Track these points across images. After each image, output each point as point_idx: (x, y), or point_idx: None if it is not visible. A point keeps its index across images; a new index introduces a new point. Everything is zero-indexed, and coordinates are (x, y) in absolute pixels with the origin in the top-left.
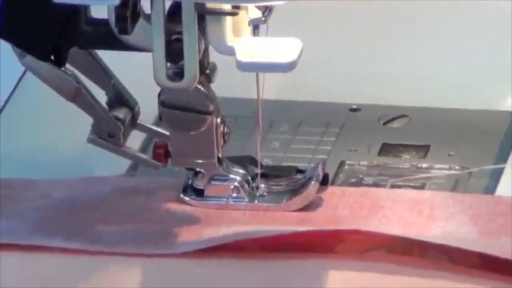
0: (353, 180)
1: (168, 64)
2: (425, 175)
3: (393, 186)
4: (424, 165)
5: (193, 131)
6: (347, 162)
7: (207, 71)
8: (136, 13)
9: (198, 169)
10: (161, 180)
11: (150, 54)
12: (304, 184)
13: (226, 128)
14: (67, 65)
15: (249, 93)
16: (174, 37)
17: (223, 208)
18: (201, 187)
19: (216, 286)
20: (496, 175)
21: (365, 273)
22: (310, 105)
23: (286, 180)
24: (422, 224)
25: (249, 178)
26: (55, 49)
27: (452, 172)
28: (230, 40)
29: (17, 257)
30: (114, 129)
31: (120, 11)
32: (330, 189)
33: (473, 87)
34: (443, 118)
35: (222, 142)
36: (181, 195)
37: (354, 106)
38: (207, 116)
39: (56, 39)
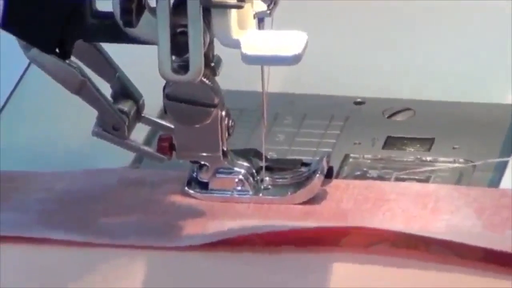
0: (358, 173)
1: (173, 57)
2: (429, 168)
3: (397, 179)
4: (428, 158)
5: (198, 124)
6: (351, 155)
7: (212, 64)
8: (141, 6)
9: (202, 162)
10: (166, 172)
11: (155, 47)
12: (309, 177)
13: (230, 121)
14: (72, 58)
15: (254, 86)
16: (179, 30)
17: (227, 201)
18: (205, 180)
19: (221, 279)
20: (501, 168)
21: (370, 266)
22: (314, 98)
23: (290, 173)
24: (426, 217)
25: (254, 171)
26: (60, 42)
27: (457, 165)
28: (235, 33)
29: (19, 249)
30: (119, 122)
31: (125, 3)
32: (335, 182)
33: (478, 80)
34: (448, 111)
35: (226, 135)
36: (186, 188)
37: (358, 99)
38: (212, 109)
39: (61, 31)
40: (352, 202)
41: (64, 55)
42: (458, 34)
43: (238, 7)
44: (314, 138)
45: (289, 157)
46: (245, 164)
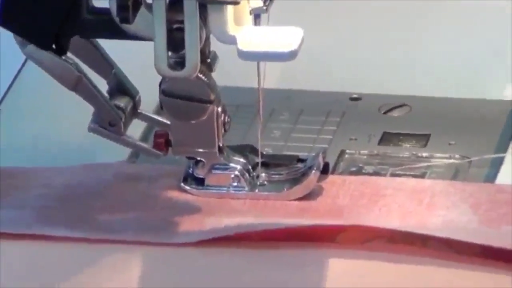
0: (354, 169)
1: (169, 53)
2: (425, 164)
3: (393, 175)
4: (424, 154)
5: (194, 120)
6: (347, 151)
7: (208, 60)
8: (138, 2)
9: (198, 158)
10: (162, 167)
11: (151, 43)
12: (305, 173)
13: (226, 117)
14: (69, 54)
15: (250, 82)
16: (175, 26)
17: (223, 197)
18: (201, 176)
19: (218, 275)
20: (497, 164)
21: (367, 261)
22: (310, 94)
23: (286, 169)
24: (422, 212)
25: (250, 167)
26: (56, 38)
27: (452, 161)
28: (232, 29)
29: (19, 246)
30: (115, 118)
31: (121, 0)
32: (331, 177)
33: (474, 76)
34: (444, 107)
35: (222, 131)
36: (182, 184)
37: (354, 95)
38: (208, 105)
39: (58, 28)
40: (348, 198)
41: (61, 51)
42: (454, 31)
43: (235, 3)
44: (310, 134)
45: (285, 153)
46: (241, 160)
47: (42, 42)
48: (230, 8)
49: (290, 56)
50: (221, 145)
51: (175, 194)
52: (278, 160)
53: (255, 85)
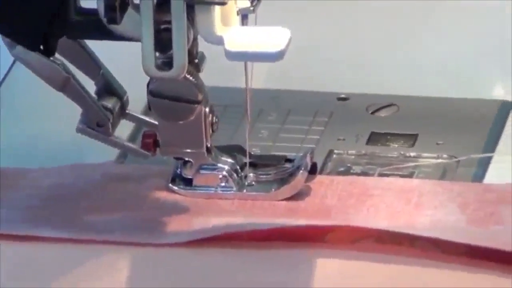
0: (342, 169)
1: (157, 54)
2: (413, 163)
3: (381, 175)
4: (412, 154)
5: (182, 120)
6: (335, 151)
7: (196, 61)
8: (125, 3)
9: (186, 159)
10: (150, 167)
11: (139, 43)
12: (293, 174)
13: (214, 118)
14: (56, 55)
15: (238, 82)
16: (163, 26)
17: (211, 197)
18: (189, 177)
19: (207, 275)
20: (484, 164)
21: (355, 261)
22: (298, 94)
23: (274, 169)
24: (410, 212)
25: (238, 167)
26: (44, 39)
27: (440, 160)
28: (219, 29)
29: (6, 246)
30: (103, 119)
31: (108, 0)
32: (319, 178)
33: (461, 76)
34: (431, 107)
35: (210, 131)
36: (170, 185)
37: (342, 95)
38: (196, 106)
39: (46, 29)
40: (336, 198)
41: (49, 52)
42: (441, 31)
43: (222, 3)
44: (298, 134)
45: (273, 153)
46: (229, 160)
47: (30, 43)
48: (217, 9)
49: (278, 56)
50: (209, 145)
51: (163, 195)
52: (266, 161)
53: (243, 85)
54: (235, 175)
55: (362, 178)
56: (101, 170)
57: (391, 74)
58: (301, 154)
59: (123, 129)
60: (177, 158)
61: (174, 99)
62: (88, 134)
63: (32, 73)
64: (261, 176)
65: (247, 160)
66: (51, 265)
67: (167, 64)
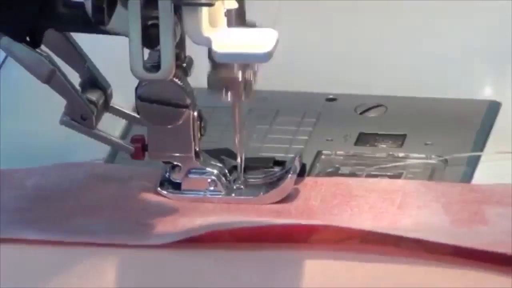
0: (330, 169)
1: (145, 58)
2: (401, 164)
3: (369, 176)
4: (400, 155)
5: (170, 124)
6: (323, 152)
7: (184, 65)
8: (113, 3)
9: (175, 163)
10: (137, 168)
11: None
12: (281, 177)
13: (202, 121)
14: (42, 47)
15: None
16: (150, 22)
17: (200, 201)
18: (178, 181)
19: (193, 276)
20: (473, 164)
21: (340, 262)
22: (286, 95)
23: (263, 173)
24: (394, 213)
25: (226, 171)
26: (30, 31)
27: (429, 161)
28: (206, 30)
29: None
30: (87, 112)
31: (97, 2)
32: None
33: (449, 76)
34: (420, 107)
35: (199, 135)
36: (159, 189)
37: (330, 96)
38: (184, 110)
39: (32, 20)
40: (320, 199)
41: (35, 44)
42: (429, 31)
43: (209, 5)
44: (286, 135)
45: (262, 154)
46: (218, 164)
47: (16, 34)
48: (204, 10)
49: (265, 57)
50: (197, 149)
51: (148, 196)
52: (254, 163)
53: None
54: (223, 179)
55: (345, 179)
56: (85, 170)
57: (379, 74)
58: (291, 156)
59: (115, 127)
60: (166, 162)
61: (162, 103)
62: (71, 126)
63: (20, 74)
64: (250, 180)
65: (237, 163)
66: (36, 267)
67: (155, 67)
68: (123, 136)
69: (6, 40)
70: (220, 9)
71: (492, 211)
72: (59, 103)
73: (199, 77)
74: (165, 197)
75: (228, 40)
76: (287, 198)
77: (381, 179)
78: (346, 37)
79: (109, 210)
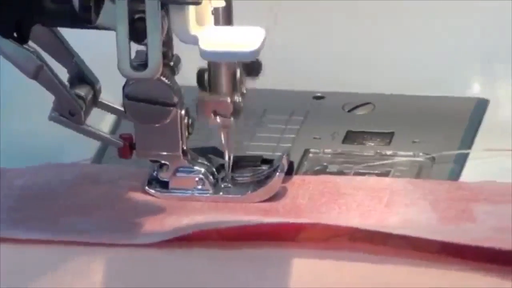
0: (318, 168)
1: (133, 56)
2: (389, 161)
3: (357, 174)
4: (388, 152)
5: (158, 123)
6: (311, 150)
7: (171, 64)
8: (100, 1)
9: (163, 161)
10: (125, 169)
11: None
12: (269, 176)
13: (190, 120)
14: (30, 42)
15: None
16: (137, 16)
17: (187, 200)
18: (166, 179)
19: (181, 275)
20: (461, 161)
21: (328, 260)
22: (274, 93)
23: (251, 172)
24: (382, 210)
25: (214, 169)
26: (17, 26)
27: (416, 158)
28: (193, 29)
29: None
30: (76, 107)
31: (84, 1)
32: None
33: (437, 74)
34: (407, 105)
35: (186, 134)
36: (146, 188)
37: (318, 94)
38: (171, 108)
39: (19, 15)
40: (307, 198)
41: (22, 40)
42: (415, 29)
43: (196, 3)
44: (274, 133)
45: (249, 152)
46: (205, 162)
47: (3, 30)
48: (191, 8)
49: (252, 55)
50: (185, 148)
51: (136, 196)
52: (242, 161)
53: None
54: (211, 177)
55: (333, 177)
56: (75, 170)
57: (367, 72)
58: (278, 155)
59: (105, 122)
60: (153, 161)
61: (149, 102)
62: (60, 122)
63: (10, 76)
64: (238, 179)
65: (224, 162)
66: (24, 267)
67: (143, 65)
68: (112, 132)
69: None
70: (207, 8)
71: (479, 208)
72: (47, 100)
73: (186, 75)
74: (153, 196)
75: (215, 39)
76: (275, 197)
77: (368, 177)
78: (334, 35)
79: (98, 210)
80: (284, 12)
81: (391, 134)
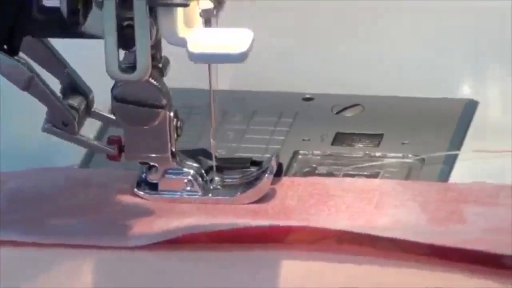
0: (307, 169)
1: (121, 58)
2: (379, 163)
3: (346, 175)
4: (377, 154)
5: (146, 125)
6: (300, 151)
7: (160, 65)
8: (88, 5)
9: (151, 163)
10: (114, 172)
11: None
12: (258, 177)
13: (179, 122)
14: (20, 54)
15: (203, 83)
16: (125, 23)
17: (176, 202)
18: (155, 181)
19: (170, 278)
20: (450, 163)
21: (316, 262)
22: (263, 95)
23: (240, 173)
24: (371, 212)
25: (203, 171)
26: (8, 38)
27: (406, 160)
28: (182, 31)
29: None
30: (69, 118)
31: (72, 3)
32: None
33: (426, 75)
34: (396, 106)
35: (175, 135)
36: (135, 190)
37: (307, 96)
38: (160, 110)
39: (9, 28)
40: (296, 199)
41: (12, 52)
42: (405, 30)
43: (184, 5)
44: (263, 135)
45: (239, 154)
46: (194, 164)
47: None
48: (179, 10)
49: (241, 57)
50: (173, 150)
51: (125, 198)
52: (231, 163)
53: (208, 87)
54: (200, 179)
55: (322, 178)
56: (64, 174)
57: (356, 74)
58: (267, 156)
59: (90, 128)
60: (142, 163)
61: (138, 104)
62: (54, 133)
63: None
64: (227, 180)
65: (213, 163)
66: (12, 269)
67: (131, 67)
68: (98, 137)
69: None
70: (195, 10)
71: (469, 210)
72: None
73: (175, 77)
74: (142, 198)
75: (203, 41)
76: (264, 198)
77: (358, 178)
78: (322, 36)
79: (87, 212)
80: (272, 13)
81: (380, 135)
